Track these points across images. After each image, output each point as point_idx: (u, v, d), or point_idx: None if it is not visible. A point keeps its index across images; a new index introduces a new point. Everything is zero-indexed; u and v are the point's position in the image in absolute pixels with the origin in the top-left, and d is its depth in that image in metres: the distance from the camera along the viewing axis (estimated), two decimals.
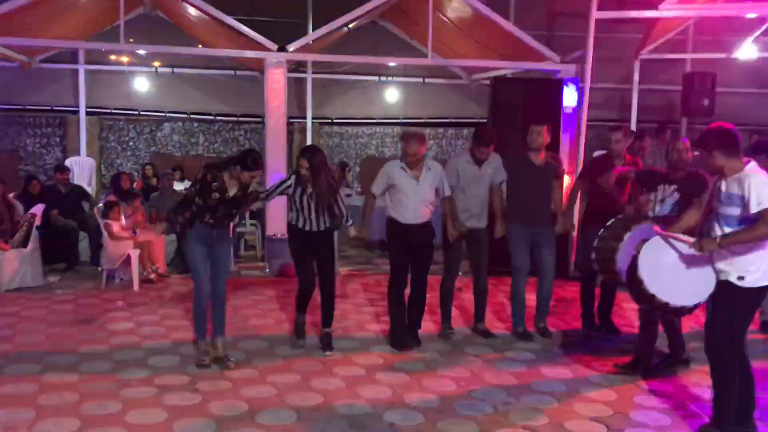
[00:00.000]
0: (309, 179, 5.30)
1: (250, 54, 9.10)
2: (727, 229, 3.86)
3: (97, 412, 4.26)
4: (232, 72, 12.28)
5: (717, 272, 3.96)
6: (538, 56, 9.35)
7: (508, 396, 4.69)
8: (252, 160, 4.98)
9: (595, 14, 8.49)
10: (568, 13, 11.59)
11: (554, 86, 8.99)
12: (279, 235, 8.40)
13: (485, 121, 10.07)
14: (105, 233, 7.88)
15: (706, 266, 4.01)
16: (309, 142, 12.61)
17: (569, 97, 8.89)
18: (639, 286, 4.19)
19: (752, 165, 3.85)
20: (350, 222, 5.63)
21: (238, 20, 8.90)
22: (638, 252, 4.23)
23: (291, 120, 10.82)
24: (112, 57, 12.00)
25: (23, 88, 11.80)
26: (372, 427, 4.18)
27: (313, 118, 12.61)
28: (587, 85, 8.73)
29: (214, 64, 12.06)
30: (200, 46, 11.00)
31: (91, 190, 10.68)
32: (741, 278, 3.84)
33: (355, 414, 4.36)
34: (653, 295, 4.14)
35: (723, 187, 3.90)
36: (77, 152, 11.92)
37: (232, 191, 5.06)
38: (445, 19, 10.19)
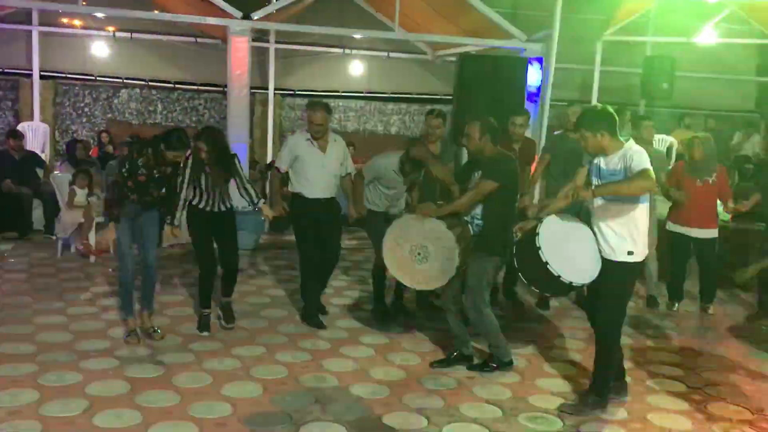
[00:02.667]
0: (209, 162, 5.07)
1: (212, 21, 8.89)
2: (612, 204, 3.99)
3: (56, 383, 4.17)
4: (194, 39, 11.99)
5: (606, 251, 4.04)
6: (504, 34, 9.37)
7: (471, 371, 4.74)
8: (177, 138, 4.81)
9: None
10: None
11: (519, 64, 9.01)
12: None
13: (450, 97, 10.09)
14: (62, 200, 7.66)
15: (594, 245, 4.08)
16: (271, 113, 12.46)
17: (534, 75, 8.95)
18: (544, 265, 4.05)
19: (632, 142, 4.01)
20: (263, 201, 5.38)
21: None
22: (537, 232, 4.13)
23: (252, 91, 10.62)
24: (67, 20, 11.60)
25: None
26: (339, 400, 4.18)
27: (275, 90, 12.43)
28: (552, 64, 8.80)
29: (175, 30, 11.75)
30: (155, 11, 10.68)
31: (45, 156, 10.35)
32: (631, 253, 4.00)
33: (322, 387, 4.36)
34: (559, 276, 4.02)
35: (603, 164, 4.03)
36: (30, 117, 11.51)
37: (158, 170, 4.92)
38: None
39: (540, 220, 4.16)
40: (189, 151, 4.99)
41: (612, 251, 4.02)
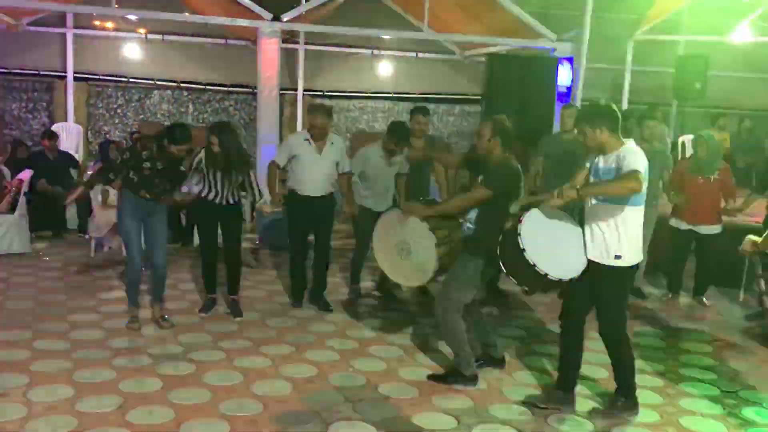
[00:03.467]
0: (220, 157, 5.26)
1: (243, 22, 8.97)
2: (605, 205, 3.89)
3: (91, 379, 4.24)
4: (224, 41, 12.12)
5: (594, 254, 3.93)
6: (533, 34, 9.31)
7: (501, 372, 4.71)
8: (180, 132, 4.93)
9: None
10: None
11: (549, 64, 8.97)
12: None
13: (478, 97, 10.06)
14: (96, 200, 7.78)
15: (579, 244, 3.99)
16: (300, 114, 12.53)
17: (564, 75, 8.88)
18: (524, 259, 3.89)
19: (631, 142, 3.92)
20: (263, 200, 5.80)
21: None
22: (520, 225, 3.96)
23: (281, 92, 10.69)
24: (100, 22, 11.78)
25: (10, 51, 11.55)
26: (368, 399, 4.19)
27: (303, 91, 12.50)
28: (582, 64, 8.72)
29: (205, 32, 11.87)
30: (186, 13, 10.81)
31: (78, 157, 10.53)
32: (618, 257, 3.87)
33: (350, 386, 4.37)
34: (534, 265, 3.85)
35: (601, 163, 3.94)
36: (64, 118, 11.73)
37: (162, 163, 5.03)
38: None
39: (524, 212, 3.99)
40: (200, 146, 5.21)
41: (600, 255, 3.92)
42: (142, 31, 11.93)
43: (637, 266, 4.03)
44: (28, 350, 4.68)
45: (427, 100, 12.89)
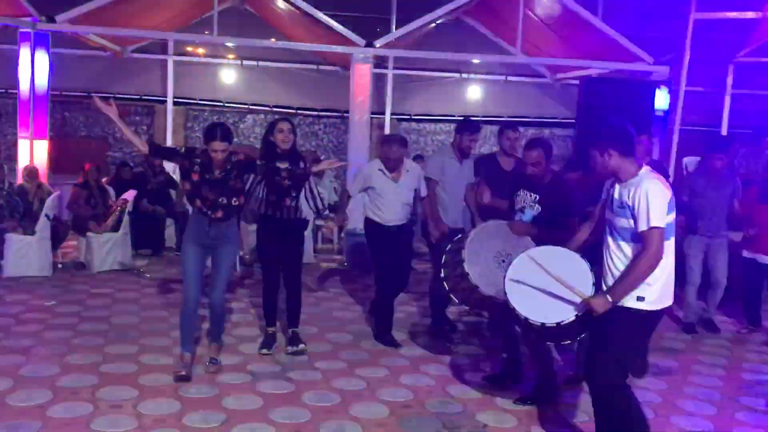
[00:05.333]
0: (287, 174, 5.03)
1: (337, 49, 9.17)
2: (623, 244, 3.38)
3: (195, 394, 4.36)
4: (315, 66, 12.41)
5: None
6: (629, 56, 9.12)
7: None
8: (221, 131, 4.45)
9: (694, 15, 8.20)
10: (659, 12, 11.25)
11: (645, 88, 8.73)
12: (358, 229, 8.43)
13: (569, 121, 9.91)
14: None
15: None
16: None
17: (661, 99, 8.64)
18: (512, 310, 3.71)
19: (645, 170, 3.39)
20: (327, 212, 5.77)
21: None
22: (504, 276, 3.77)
23: (370, 116, 10.85)
24: (199, 49, 12.30)
25: (115, 77, 12.21)
26: (466, 426, 4.14)
27: (391, 114, 12.63)
28: (682, 88, 8.46)
29: (298, 58, 12.21)
30: (273, 39, 11.12)
31: (176, 177, 10.95)
32: (641, 299, 3.33)
33: (448, 413, 4.33)
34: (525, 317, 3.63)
35: (616, 194, 3.43)
36: (163, 141, 12.24)
37: (215, 172, 4.55)
38: (532, 16, 10.04)
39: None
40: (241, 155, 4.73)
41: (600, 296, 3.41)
42: (231, 56, 12.37)
43: (662, 312, 3.43)
44: (136, 364, 4.86)
45: (515, 123, 12.75)
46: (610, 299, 3.33)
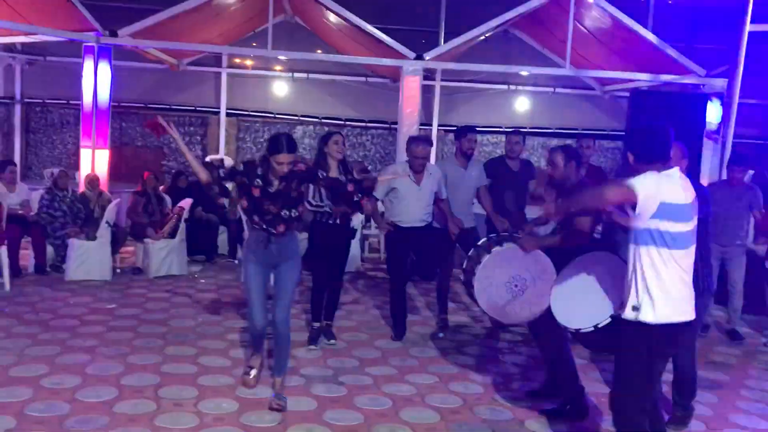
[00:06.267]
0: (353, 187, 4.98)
1: (387, 62, 9.33)
2: (632, 246, 3.27)
3: (251, 395, 4.52)
4: (364, 78, 12.61)
5: (621, 307, 3.36)
6: (679, 69, 9.06)
7: None
8: (287, 142, 4.18)
9: (748, 27, 8.12)
10: (712, 24, 11.14)
11: (697, 101, 8.69)
12: None
13: (618, 133, 9.86)
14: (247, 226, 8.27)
15: (608, 290, 3.63)
16: (434, 149, 12.74)
17: (713, 112, 8.57)
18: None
19: (674, 170, 3.27)
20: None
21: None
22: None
23: (418, 127, 10.97)
24: (246, 61, 12.62)
25: (170, 89, 12.61)
26: None
27: (438, 125, 12.73)
28: (735, 100, 8.36)
29: (346, 70, 12.42)
30: (319, 51, 11.35)
31: (228, 186, 11.23)
32: (636, 309, 3.20)
33: (496, 419, 4.40)
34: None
35: None
36: (216, 151, 12.57)
37: (276, 184, 4.28)
38: (582, 28, 10.05)
39: None
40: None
41: (622, 305, 3.32)
42: (277, 68, 12.65)
43: (674, 328, 3.20)
44: (195, 365, 5.05)
45: (563, 134, 12.78)
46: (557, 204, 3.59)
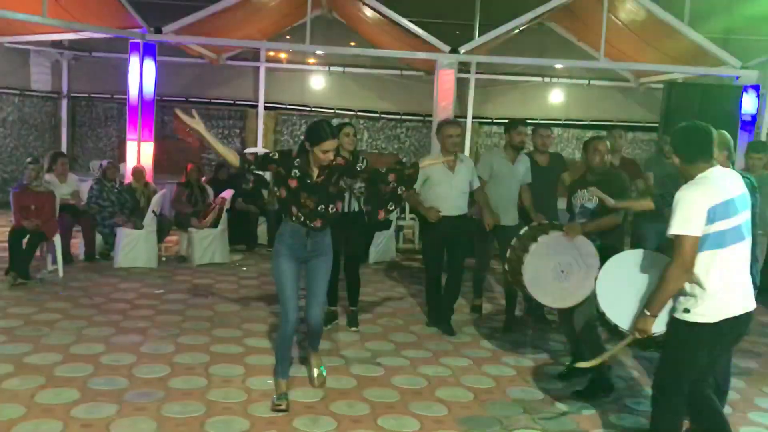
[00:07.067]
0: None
1: (423, 55, 9.52)
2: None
3: (295, 374, 4.74)
4: (399, 72, 12.81)
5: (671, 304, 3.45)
6: (715, 61, 9.08)
7: None
8: (330, 128, 4.09)
9: None
10: (747, 15, 11.10)
11: (732, 92, 8.71)
12: None
13: (652, 125, 9.91)
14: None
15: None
16: (468, 141, 12.89)
17: (749, 103, 8.59)
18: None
19: (698, 177, 3.29)
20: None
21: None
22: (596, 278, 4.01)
23: None
24: (281, 54, 12.91)
25: (210, 83, 12.96)
26: (547, 412, 4.39)
27: (473, 118, 12.86)
28: None
29: (382, 63, 12.63)
30: (353, 43, 11.55)
31: (267, 178, 11.54)
32: (687, 311, 3.29)
33: (528, 399, 4.59)
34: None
35: None
36: (254, 143, 12.90)
37: (315, 174, 4.17)
38: (616, 21, 10.10)
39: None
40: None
41: (673, 305, 3.40)
42: (310, 60, 12.91)
43: (726, 324, 3.26)
44: (241, 346, 5.33)
45: (598, 126, 12.82)
46: (647, 313, 3.38)
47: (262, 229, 9.72)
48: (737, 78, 8.93)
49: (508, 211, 6.11)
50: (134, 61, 9.27)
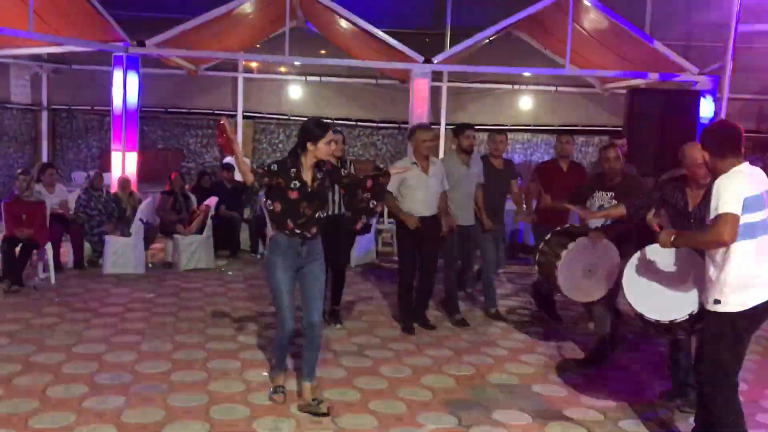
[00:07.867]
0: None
1: (398, 65, 9.91)
2: None
3: (290, 368, 5.07)
4: (374, 81, 13.19)
5: (701, 298, 3.70)
6: (675, 67, 9.59)
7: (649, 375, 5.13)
8: (323, 121, 4.16)
9: (737, 27, 8.66)
10: (705, 23, 11.68)
11: (691, 97, 9.21)
12: None
13: (619, 129, 10.41)
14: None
15: (689, 284, 3.85)
16: (441, 148, 13.31)
17: (706, 108, 9.10)
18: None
19: (733, 170, 3.44)
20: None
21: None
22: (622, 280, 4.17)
23: None
24: (252, 63, 13.22)
25: (189, 93, 13.24)
26: (523, 394, 4.78)
27: (446, 125, 13.30)
28: (725, 96, 8.91)
29: (357, 73, 13.01)
30: (323, 52, 11.91)
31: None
32: (717, 302, 3.47)
33: (507, 384, 4.98)
34: (641, 314, 4.00)
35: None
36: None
37: (311, 181, 4.18)
38: (581, 30, 10.60)
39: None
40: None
41: (704, 298, 3.59)
42: (283, 69, 13.24)
43: (756, 312, 3.43)
44: (235, 343, 5.65)
45: (565, 131, 13.30)
46: (673, 237, 3.60)
47: (245, 235, 10.00)
48: (695, 84, 9.44)
49: (466, 211, 6.47)
50: (118, 73, 9.53)
